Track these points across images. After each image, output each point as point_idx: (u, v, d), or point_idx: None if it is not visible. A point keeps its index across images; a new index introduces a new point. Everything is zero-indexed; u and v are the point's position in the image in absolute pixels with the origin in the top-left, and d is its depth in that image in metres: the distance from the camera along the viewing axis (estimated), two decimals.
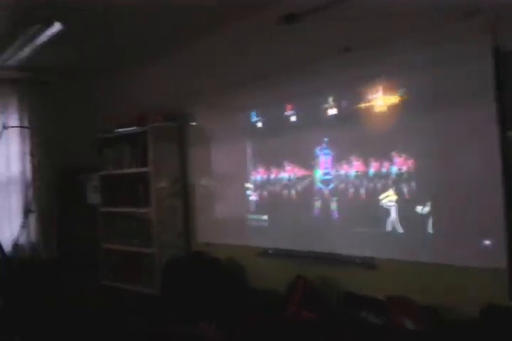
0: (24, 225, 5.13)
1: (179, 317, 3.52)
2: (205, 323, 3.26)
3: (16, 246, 5.08)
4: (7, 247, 4.91)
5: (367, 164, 3.11)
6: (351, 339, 2.72)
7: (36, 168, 5.29)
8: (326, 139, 3.35)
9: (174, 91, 4.63)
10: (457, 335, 2.49)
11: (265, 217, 3.80)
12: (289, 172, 3.61)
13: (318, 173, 3.41)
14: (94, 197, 5.22)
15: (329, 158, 3.33)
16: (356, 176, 3.17)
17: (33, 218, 5.26)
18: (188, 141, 4.57)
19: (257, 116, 3.83)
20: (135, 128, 4.53)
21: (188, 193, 4.56)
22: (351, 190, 3.21)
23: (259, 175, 3.84)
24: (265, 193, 3.80)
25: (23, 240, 5.17)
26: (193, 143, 4.49)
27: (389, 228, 3.00)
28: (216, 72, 4.17)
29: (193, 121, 4.46)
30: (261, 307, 3.37)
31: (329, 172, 3.34)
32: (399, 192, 2.96)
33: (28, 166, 5.30)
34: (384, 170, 3.02)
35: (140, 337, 3.28)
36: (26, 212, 5.19)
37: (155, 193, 4.37)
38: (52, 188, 5.43)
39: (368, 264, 3.11)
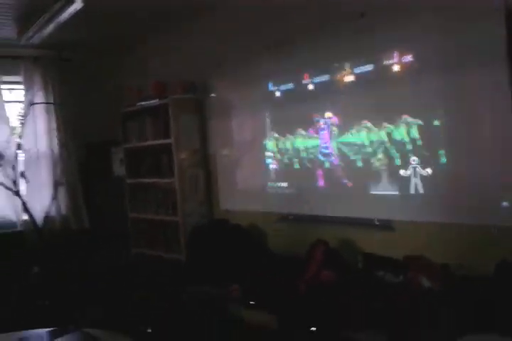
0: (54, 198, 5.33)
1: (204, 280, 3.67)
2: (228, 285, 3.41)
3: (46, 217, 5.29)
4: (38, 219, 5.15)
5: (380, 129, 3.15)
6: (369, 298, 2.82)
7: (63, 143, 5.46)
8: (340, 106, 3.40)
9: (194, 63, 4.66)
10: (472, 292, 2.57)
11: (285, 184, 3.89)
12: (306, 140, 3.67)
13: (331, 140, 3.48)
14: (120, 170, 5.38)
15: (334, 125, 3.41)
16: (370, 141, 3.22)
17: (62, 191, 5.46)
18: (209, 112, 4.63)
19: (275, 85, 3.88)
20: (156, 100, 4.62)
21: (210, 163, 4.66)
22: (365, 156, 3.27)
23: (278, 143, 3.91)
24: (284, 161, 3.87)
25: (53, 212, 5.39)
26: (213, 113, 4.56)
27: (405, 190, 3.07)
28: (234, 42, 4.19)
29: (212, 92, 4.53)
30: (282, 270, 3.49)
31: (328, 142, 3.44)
32: (411, 156, 3.01)
33: (55, 141, 5.47)
34: (399, 134, 3.05)
35: (166, 299, 3.45)
36: (55, 185, 5.38)
37: (177, 164, 4.48)
38: (79, 162, 5.61)
39: (385, 226, 3.20)
